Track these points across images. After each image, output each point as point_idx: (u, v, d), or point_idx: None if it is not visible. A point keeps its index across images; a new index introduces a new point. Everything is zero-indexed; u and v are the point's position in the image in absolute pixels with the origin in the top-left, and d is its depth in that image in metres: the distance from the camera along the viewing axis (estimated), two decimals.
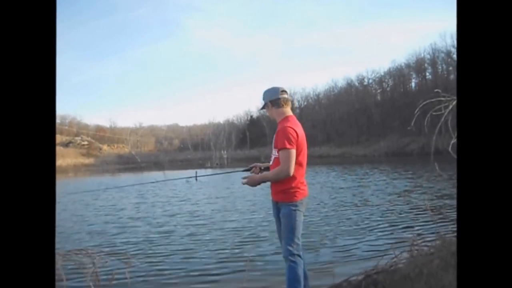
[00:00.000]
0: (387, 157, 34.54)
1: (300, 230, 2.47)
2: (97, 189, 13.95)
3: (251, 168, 2.85)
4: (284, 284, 2.50)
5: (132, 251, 5.12)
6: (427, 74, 45.59)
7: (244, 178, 2.66)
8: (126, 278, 3.29)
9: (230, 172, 3.58)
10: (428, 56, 44.46)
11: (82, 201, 10.96)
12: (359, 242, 5.03)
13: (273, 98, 2.60)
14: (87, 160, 53.19)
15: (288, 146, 2.37)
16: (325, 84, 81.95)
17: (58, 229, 6.13)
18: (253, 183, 2.59)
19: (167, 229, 6.51)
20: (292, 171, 2.39)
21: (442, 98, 2.95)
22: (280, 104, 2.58)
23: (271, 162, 2.61)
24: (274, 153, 2.52)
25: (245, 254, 4.47)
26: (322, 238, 5.32)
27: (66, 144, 58.43)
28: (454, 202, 6.28)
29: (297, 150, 2.43)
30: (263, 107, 2.72)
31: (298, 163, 2.47)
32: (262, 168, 2.80)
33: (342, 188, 11.67)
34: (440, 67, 43.28)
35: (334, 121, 51.70)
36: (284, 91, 2.62)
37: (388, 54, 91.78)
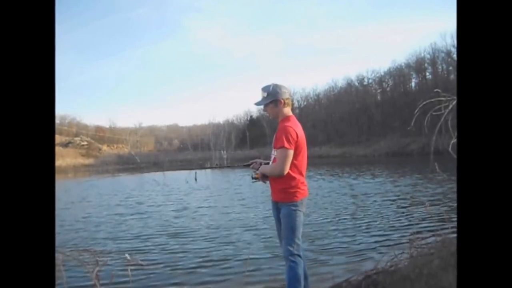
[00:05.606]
0: (388, 157, 34.49)
1: (300, 230, 2.47)
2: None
3: (251, 163, 2.79)
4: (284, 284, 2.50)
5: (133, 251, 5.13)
6: (427, 74, 45.54)
7: (253, 178, 2.63)
8: (127, 276, 3.28)
9: (232, 166, 3.56)
10: (428, 56, 44.44)
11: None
12: (359, 244, 5.02)
13: (283, 96, 2.53)
14: (86, 161, 53.21)
15: (286, 145, 2.37)
16: (325, 84, 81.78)
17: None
18: (261, 178, 2.58)
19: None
20: (286, 170, 2.39)
21: (442, 98, 2.95)
22: (287, 103, 2.57)
23: (270, 162, 2.61)
24: (274, 152, 2.52)
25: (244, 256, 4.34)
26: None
27: (66, 144, 58.36)
28: (454, 202, 6.27)
29: (296, 150, 2.43)
30: (266, 103, 2.56)
31: (298, 163, 2.46)
32: (263, 163, 2.78)
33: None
34: (440, 67, 43.24)
35: (334, 121, 51.64)
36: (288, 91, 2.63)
37: (388, 54, 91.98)
